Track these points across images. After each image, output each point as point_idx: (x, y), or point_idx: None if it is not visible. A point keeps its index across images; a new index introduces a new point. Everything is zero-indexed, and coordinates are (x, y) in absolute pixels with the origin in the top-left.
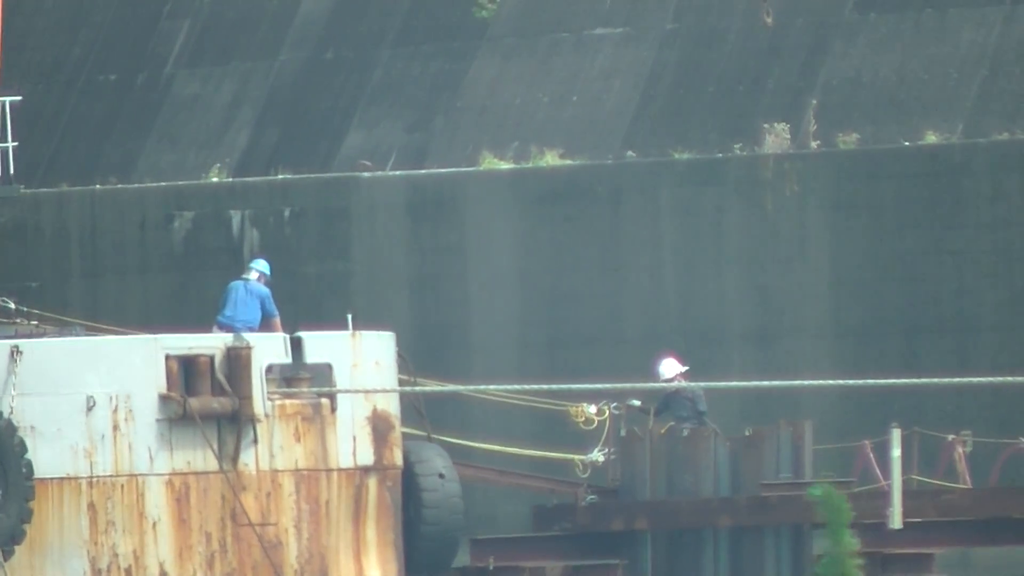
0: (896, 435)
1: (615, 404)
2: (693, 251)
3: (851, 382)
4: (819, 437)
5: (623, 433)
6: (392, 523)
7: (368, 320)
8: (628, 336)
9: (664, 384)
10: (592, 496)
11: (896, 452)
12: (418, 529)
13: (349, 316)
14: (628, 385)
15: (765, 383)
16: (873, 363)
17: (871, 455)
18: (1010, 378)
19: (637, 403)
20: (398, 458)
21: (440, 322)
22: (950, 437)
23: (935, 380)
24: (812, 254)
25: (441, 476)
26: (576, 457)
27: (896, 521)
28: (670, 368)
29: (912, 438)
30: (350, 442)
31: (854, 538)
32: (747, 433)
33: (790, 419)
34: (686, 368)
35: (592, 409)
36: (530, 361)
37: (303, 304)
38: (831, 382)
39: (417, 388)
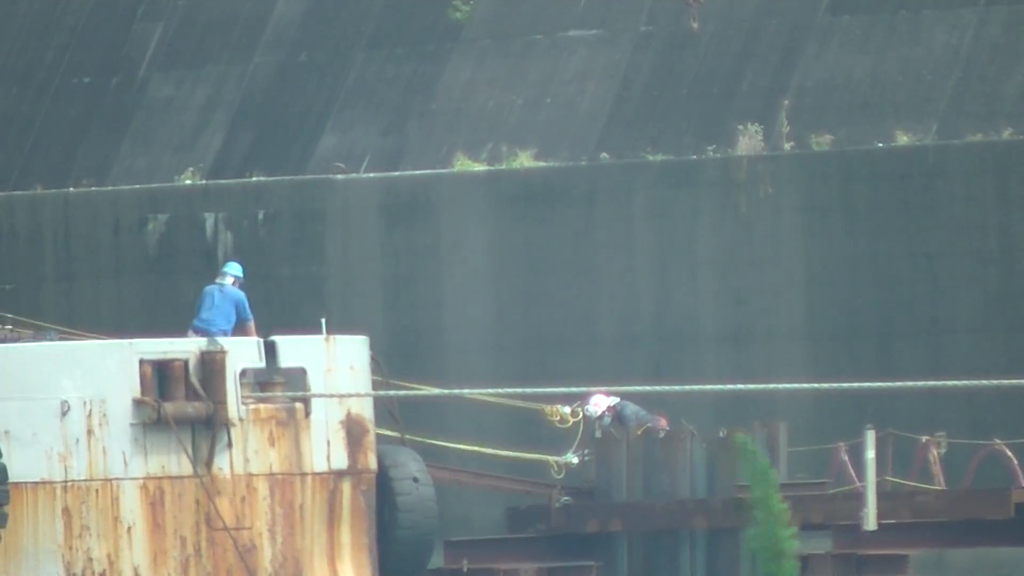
0: (870, 437)
1: (586, 408)
2: (667, 253)
3: (824, 385)
4: (794, 439)
5: (598, 434)
6: (366, 527)
7: (342, 323)
8: (602, 338)
9: (641, 389)
10: (566, 498)
11: (870, 454)
12: (392, 533)
13: (323, 320)
14: (602, 389)
15: (739, 387)
16: (847, 365)
17: (845, 457)
18: (984, 382)
19: (607, 422)
20: (372, 462)
21: (414, 324)
22: (924, 439)
23: (909, 384)
24: (786, 256)
25: (415, 480)
26: (551, 458)
27: (871, 522)
28: (598, 404)
29: (886, 440)
30: (324, 446)
31: (783, 504)
32: (721, 435)
33: (765, 421)
34: (615, 401)
35: (567, 410)
36: (504, 363)
37: (277, 307)
38: (805, 386)
39: (391, 392)
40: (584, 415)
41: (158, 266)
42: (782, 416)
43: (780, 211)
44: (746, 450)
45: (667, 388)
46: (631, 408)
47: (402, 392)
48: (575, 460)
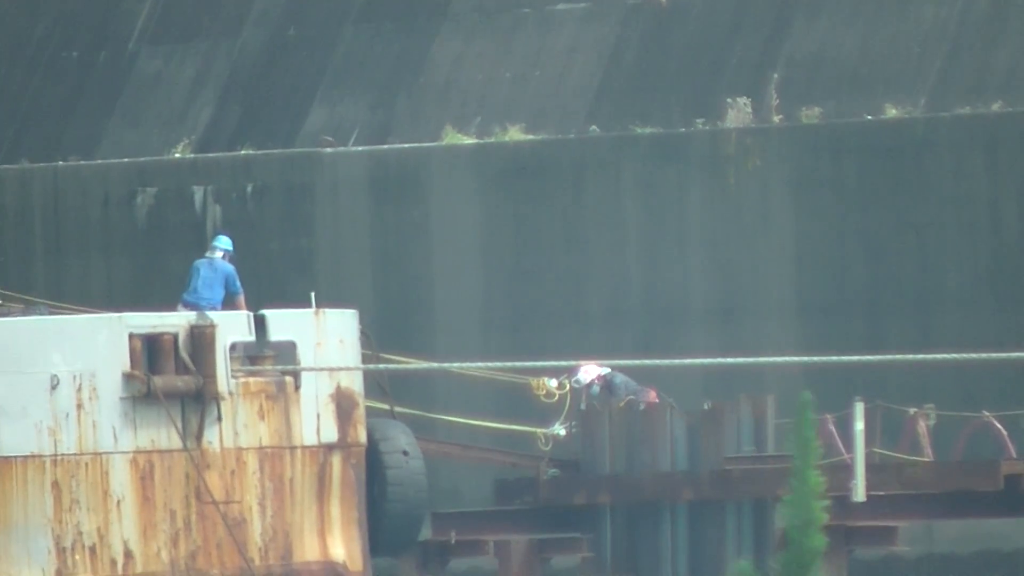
0: (859, 409)
1: (576, 378)
2: (656, 227)
3: (813, 359)
4: (782, 411)
5: (584, 407)
6: (356, 501)
7: (332, 296)
8: (590, 312)
9: (629, 363)
10: (554, 470)
11: (859, 426)
12: (382, 506)
13: (312, 294)
14: (591, 362)
15: (728, 360)
16: (836, 338)
17: (834, 429)
18: (972, 355)
19: (595, 392)
20: (362, 435)
21: (403, 297)
22: (913, 411)
23: (898, 358)
24: (775, 229)
25: (405, 453)
26: (539, 431)
27: (860, 494)
28: (588, 373)
29: (875, 412)
30: (314, 420)
31: (820, 476)
32: (706, 407)
33: (752, 394)
34: (606, 371)
35: (553, 383)
36: (493, 337)
37: (266, 281)
38: (793, 359)
39: (381, 366)
40: (571, 386)
41: (147, 240)
42: (771, 389)
43: (769, 184)
44: (805, 414)
45: (655, 362)
46: (620, 378)
47: (392, 366)
48: (562, 432)
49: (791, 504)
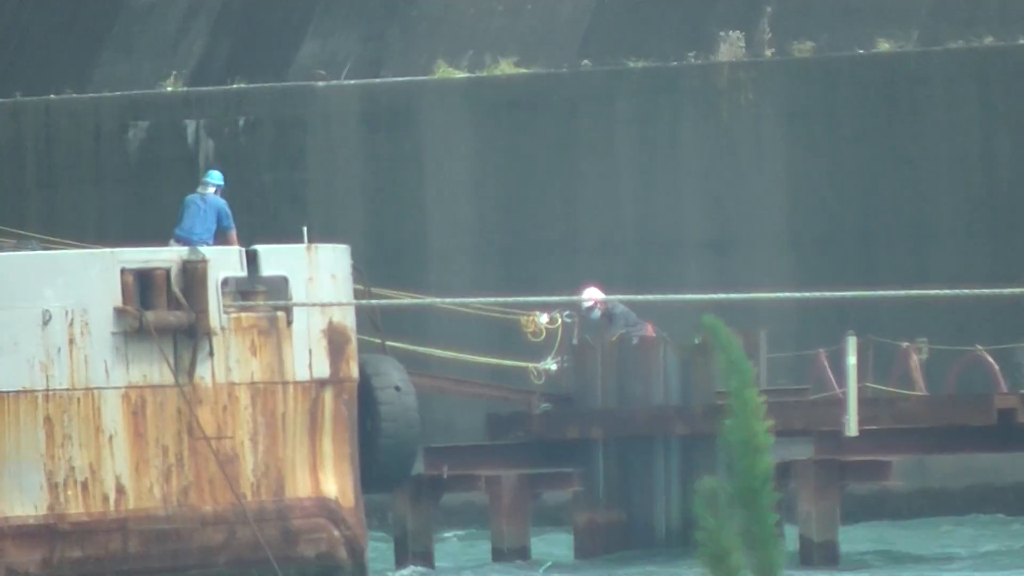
0: (851, 343)
1: (568, 312)
2: (649, 160)
3: (806, 295)
4: (774, 345)
5: (576, 341)
6: (348, 436)
7: (324, 230)
8: (584, 245)
9: (622, 298)
10: (546, 404)
11: (851, 360)
12: (375, 442)
13: (304, 229)
14: (579, 298)
15: (720, 296)
16: (830, 272)
17: (826, 363)
18: (964, 291)
19: (595, 318)
20: (354, 371)
21: (396, 231)
22: (905, 345)
23: (890, 293)
24: (768, 163)
25: (397, 389)
26: (531, 365)
27: (852, 429)
28: (585, 299)
29: (867, 346)
30: (306, 355)
31: (759, 396)
32: (696, 341)
33: (744, 327)
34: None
35: (544, 319)
36: (486, 270)
37: (259, 214)
38: (785, 295)
39: (373, 301)
40: (563, 321)
41: (140, 173)
42: (764, 322)
43: (762, 118)
44: (720, 337)
45: (648, 297)
46: (621, 308)
47: (384, 301)
48: (554, 367)
49: (733, 430)
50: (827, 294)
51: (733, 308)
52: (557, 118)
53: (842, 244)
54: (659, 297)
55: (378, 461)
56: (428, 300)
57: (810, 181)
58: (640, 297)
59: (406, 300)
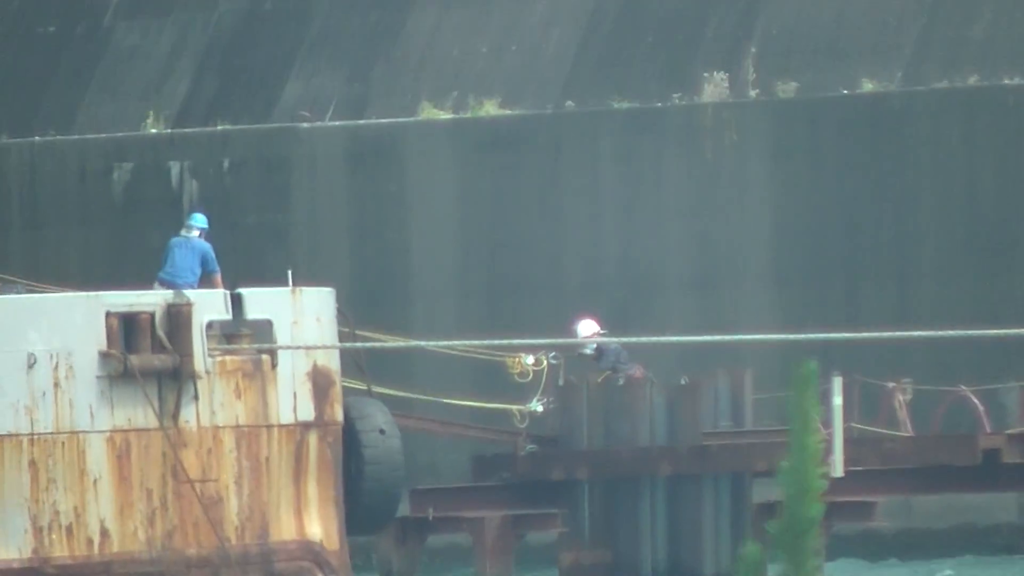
0: (837, 383)
1: (553, 354)
2: (633, 199)
3: (789, 336)
4: (760, 385)
5: (562, 382)
6: (333, 480)
7: (309, 271)
8: (568, 284)
9: (607, 340)
10: (531, 445)
11: (837, 400)
12: (359, 485)
13: (289, 272)
14: (567, 340)
15: (703, 338)
16: (814, 310)
17: None
18: (949, 331)
19: (590, 352)
20: (339, 414)
21: (380, 272)
22: (891, 385)
23: (875, 336)
24: (752, 202)
25: (382, 432)
26: (514, 407)
27: (838, 469)
28: (587, 328)
29: (853, 386)
30: (291, 398)
31: (819, 442)
32: (683, 382)
33: (729, 367)
34: (604, 331)
35: (529, 360)
36: (470, 310)
37: (243, 255)
38: (769, 337)
39: (358, 344)
40: (549, 362)
41: (124, 215)
42: (748, 361)
43: (746, 157)
44: (807, 381)
45: (631, 340)
46: (614, 346)
47: (368, 344)
48: (539, 408)
49: (789, 471)
50: (811, 335)
51: (717, 348)
52: (541, 158)
53: (826, 283)
54: (641, 340)
55: (363, 504)
56: (413, 343)
57: (794, 220)
58: (624, 339)
59: (391, 343)
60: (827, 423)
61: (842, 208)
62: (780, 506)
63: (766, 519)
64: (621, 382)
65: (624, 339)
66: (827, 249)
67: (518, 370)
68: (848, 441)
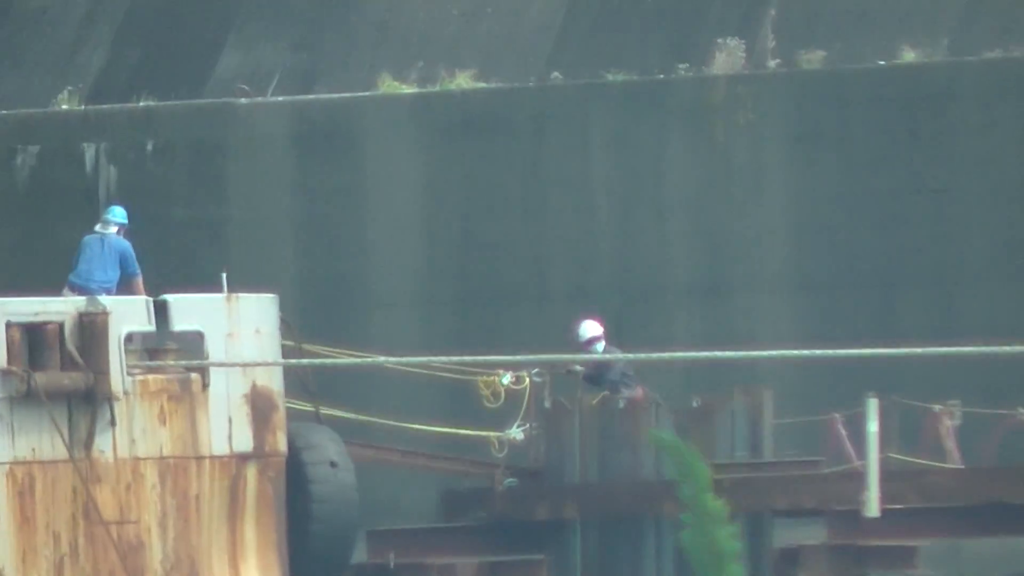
0: (872, 406)
1: (536, 371)
2: (630, 190)
3: (817, 352)
4: (780, 409)
5: (548, 404)
6: (275, 521)
7: (248, 275)
8: (553, 291)
9: (589, 357)
10: (511, 479)
11: (872, 426)
12: (306, 528)
13: (224, 275)
14: (552, 357)
15: (716, 354)
16: (843, 321)
17: (843, 430)
18: (1004, 348)
19: (580, 369)
20: (282, 444)
21: (332, 276)
22: (936, 408)
23: (914, 352)
24: (770, 193)
25: (333, 464)
26: (491, 434)
27: (873, 508)
28: (591, 329)
29: (891, 409)
30: (225, 425)
31: (718, 500)
32: (695, 404)
33: (746, 387)
34: (602, 342)
35: (507, 379)
36: (438, 321)
37: (170, 256)
38: (793, 353)
39: (305, 360)
40: (532, 380)
41: (29, 207)
42: (766, 380)
43: (763, 140)
44: (663, 443)
45: (630, 356)
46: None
47: (318, 360)
48: (520, 435)
49: (693, 539)
50: (842, 352)
51: (730, 365)
52: (522, 140)
53: (857, 289)
54: (641, 356)
55: (311, 549)
56: (371, 359)
57: (819, 214)
58: (622, 356)
59: (345, 359)
60: (861, 453)
61: (875, 201)
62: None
63: (790, 567)
64: (621, 404)
65: (622, 356)
66: (858, 249)
67: (490, 391)
68: (885, 474)
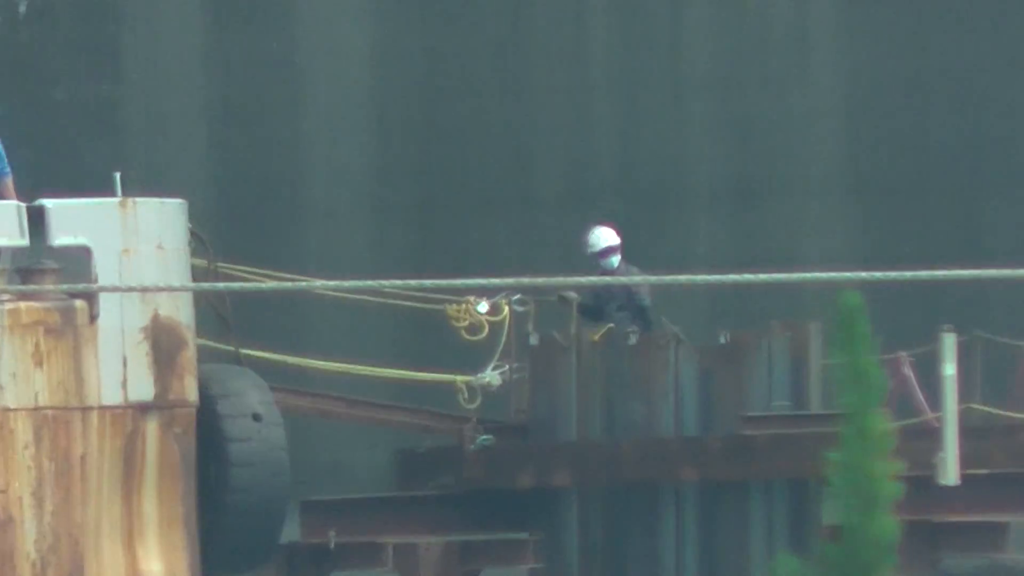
0: (949, 343)
1: (518, 297)
2: (637, 65)
3: (875, 275)
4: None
5: (534, 340)
6: (182, 490)
7: (148, 174)
8: (539, 195)
9: (588, 280)
10: (486, 437)
11: (949, 370)
12: (223, 498)
13: (117, 175)
14: (541, 280)
15: (745, 277)
16: (910, 234)
17: (911, 373)
18: None
19: (574, 296)
20: (191, 391)
21: (256, 176)
22: None
23: (1007, 272)
24: (817, 68)
25: (256, 418)
26: (459, 378)
27: (950, 474)
28: (605, 238)
29: (974, 346)
30: (119, 367)
31: (887, 424)
32: (722, 340)
33: (788, 320)
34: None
35: (483, 307)
36: (392, 233)
37: (49, 149)
38: (844, 275)
39: (221, 284)
40: (512, 308)
41: None
42: (812, 310)
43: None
44: (855, 321)
45: (638, 279)
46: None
47: (237, 284)
48: (497, 380)
49: (843, 470)
50: (909, 274)
51: (766, 293)
52: (499, 1)
53: (929, 194)
54: (655, 279)
55: (229, 525)
56: (306, 283)
57: (880, 96)
58: (626, 279)
59: (272, 283)
60: (934, 403)
61: (951, 77)
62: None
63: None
64: (633, 340)
65: (626, 279)
66: (931, 141)
67: (465, 322)
68: (966, 431)
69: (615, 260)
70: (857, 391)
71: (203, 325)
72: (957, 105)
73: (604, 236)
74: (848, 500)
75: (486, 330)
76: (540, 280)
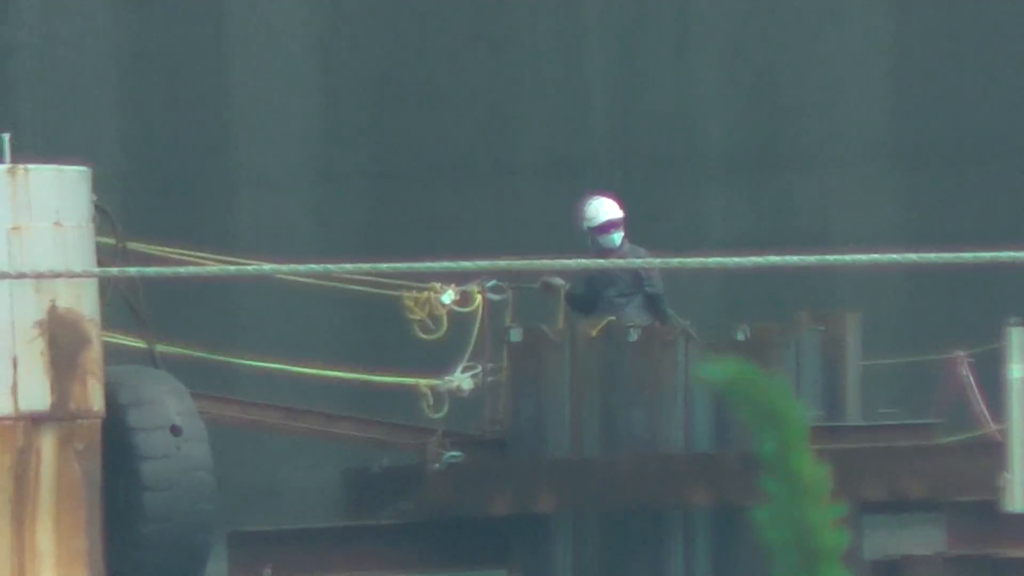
0: (1017, 338)
1: (493, 283)
2: (637, 16)
3: (926, 256)
4: (871, 343)
5: (516, 336)
6: (85, 518)
7: (44, 135)
8: (520, 162)
9: (578, 262)
10: (454, 453)
11: (1017, 371)
12: (134, 529)
13: (5, 136)
14: (522, 262)
15: (768, 259)
16: (964, 211)
17: (969, 375)
18: None
19: (561, 282)
20: (96, 399)
21: (177, 137)
22: None
23: None
24: (852, 16)
25: (175, 431)
26: (422, 382)
27: (1017, 500)
28: (605, 211)
29: None
30: (7, 370)
31: (816, 464)
32: (739, 337)
33: (819, 311)
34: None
35: (448, 296)
36: (342, 207)
37: None
38: (887, 257)
39: (131, 268)
40: (486, 296)
41: None
42: (848, 299)
43: None
44: (725, 374)
45: (638, 262)
46: (643, 253)
47: (152, 269)
48: (468, 384)
49: (774, 522)
50: (966, 255)
51: (795, 278)
52: None
53: (986, 164)
54: (659, 261)
55: (142, 561)
56: (237, 265)
57: (927, 50)
58: (624, 262)
59: (196, 267)
60: (998, 412)
61: (1016, 28)
62: None
63: None
64: (634, 337)
65: (624, 262)
66: (988, 103)
67: (422, 314)
68: None
69: (617, 237)
70: (772, 434)
71: (111, 318)
72: (1017, 61)
73: (605, 208)
74: (787, 559)
75: (444, 328)
76: (521, 263)
